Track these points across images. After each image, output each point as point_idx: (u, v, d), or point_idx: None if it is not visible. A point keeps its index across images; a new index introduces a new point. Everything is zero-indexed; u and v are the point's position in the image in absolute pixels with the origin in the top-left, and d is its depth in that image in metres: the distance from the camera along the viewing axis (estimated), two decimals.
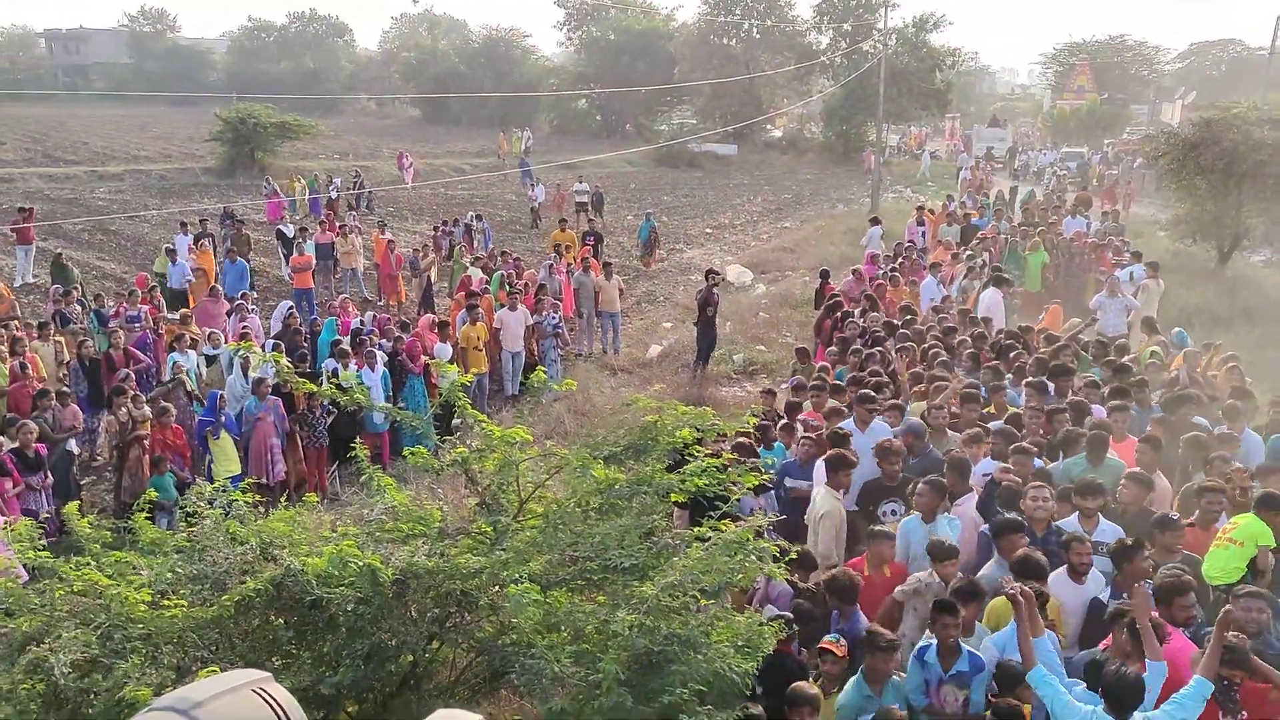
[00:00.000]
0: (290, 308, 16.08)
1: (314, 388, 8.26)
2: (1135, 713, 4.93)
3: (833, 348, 13.59)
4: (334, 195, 30.39)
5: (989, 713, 5.58)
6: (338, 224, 23.16)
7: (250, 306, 16.06)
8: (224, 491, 6.18)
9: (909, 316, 14.07)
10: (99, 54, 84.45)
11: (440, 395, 7.99)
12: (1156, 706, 5.02)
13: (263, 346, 13.69)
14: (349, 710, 5.29)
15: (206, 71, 79.22)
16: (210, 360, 13.72)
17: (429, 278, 20.25)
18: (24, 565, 5.97)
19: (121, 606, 5.01)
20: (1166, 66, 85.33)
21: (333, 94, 72.25)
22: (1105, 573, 6.75)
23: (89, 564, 5.32)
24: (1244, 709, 5.45)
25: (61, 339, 14.13)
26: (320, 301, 19.90)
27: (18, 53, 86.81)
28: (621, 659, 4.85)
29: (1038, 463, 8.26)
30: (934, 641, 5.94)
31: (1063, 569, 6.65)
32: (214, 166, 38.99)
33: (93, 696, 4.68)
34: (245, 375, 12.45)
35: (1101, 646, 5.85)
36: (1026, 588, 5.63)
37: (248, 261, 21.97)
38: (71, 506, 6.21)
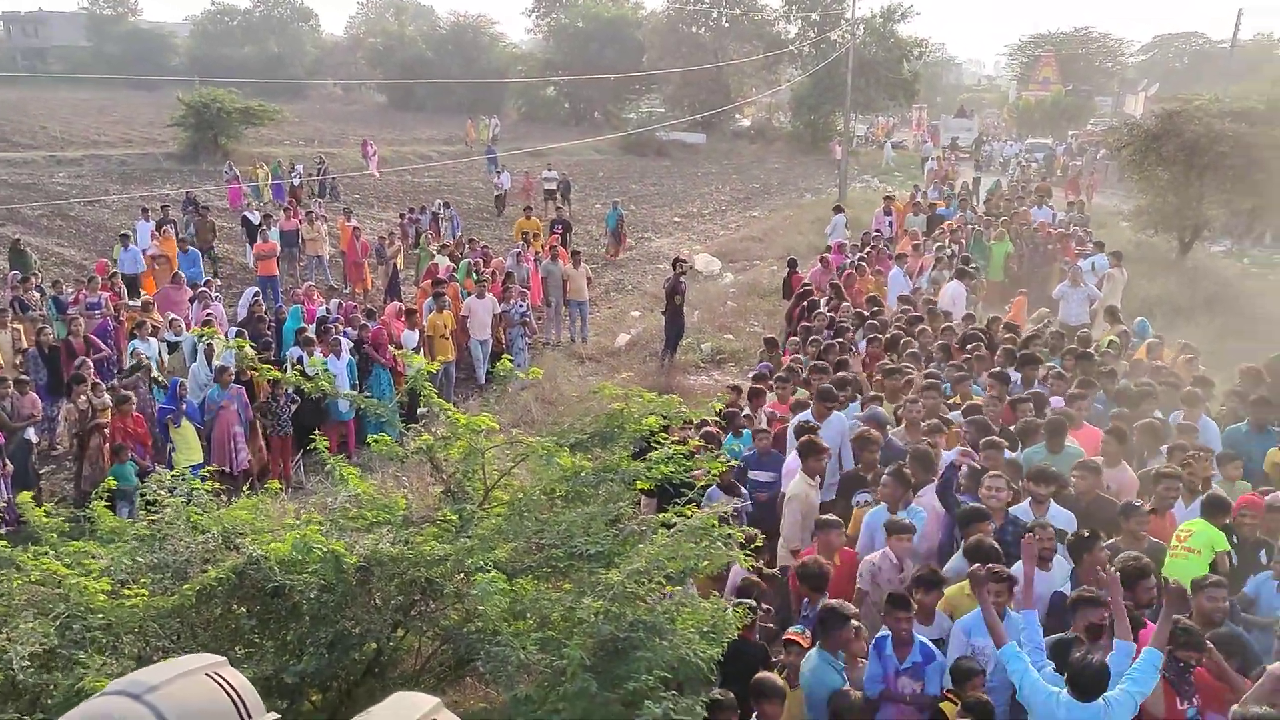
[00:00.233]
0: (256, 294, 15.94)
1: (278, 374, 8.20)
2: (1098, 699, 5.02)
3: (795, 337, 13.66)
4: (296, 182, 30.07)
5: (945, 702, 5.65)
6: (302, 211, 22.94)
7: (213, 294, 15.87)
8: (185, 479, 6.12)
9: (876, 308, 14.15)
10: (58, 37, 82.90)
11: (406, 383, 7.95)
12: None
13: (226, 334, 13.56)
14: (313, 699, 5.26)
15: (168, 55, 77.84)
16: (172, 348, 13.56)
17: (395, 265, 20.12)
18: None
19: (80, 596, 4.94)
20: (1130, 59, 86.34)
21: (298, 79, 71.38)
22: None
23: (47, 553, 5.25)
24: (1198, 693, 5.56)
25: (20, 326, 13.92)
26: (285, 289, 19.74)
27: None
28: (587, 645, 4.86)
29: (1007, 454, 8.34)
30: (890, 634, 6.00)
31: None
32: (176, 152, 38.44)
33: (52, 687, 4.63)
34: (208, 363, 12.31)
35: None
36: (984, 571, 5.72)
37: (211, 249, 21.81)
38: (25, 495, 6.13)
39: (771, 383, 11.03)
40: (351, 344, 13.40)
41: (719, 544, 5.67)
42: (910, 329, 12.58)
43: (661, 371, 16.34)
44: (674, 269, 17.10)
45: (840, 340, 12.31)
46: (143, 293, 17.08)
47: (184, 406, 11.29)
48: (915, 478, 7.76)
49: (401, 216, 24.78)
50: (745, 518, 8.09)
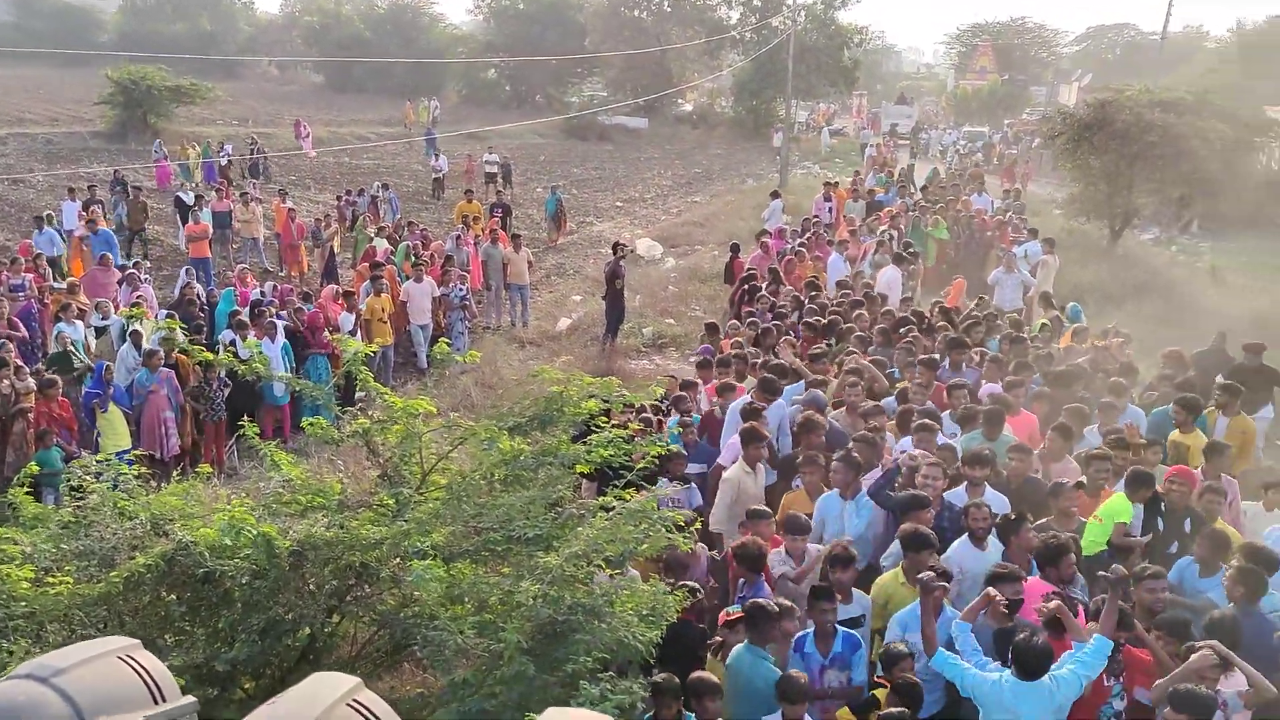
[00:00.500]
0: (189, 272, 15.61)
1: (210, 356, 8.03)
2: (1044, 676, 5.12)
3: (734, 321, 13.70)
4: (225, 161, 29.43)
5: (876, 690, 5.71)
6: (236, 192, 22.46)
7: (143, 276, 15.48)
8: (111, 465, 5.97)
9: (814, 292, 14.24)
10: None
11: (343, 366, 7.83)
12: None
13: (156, 317, 13.25)
14: (245, 686, 5.17)
15: (97, 32, 75.64)
16: (100, 332, 13.21)
17: (332, 248, 19.78)
18: None
19: (2, 584, 4.81)
20: (1064, 49, 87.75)
21: (231, 57, 69.77)
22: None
23: None
24: (1126, 671, 5.71)
25: None
26: (217, 272, 19.34)
27: None
28: (525, 629, 4.83)
29: (942, 439, 8.44)
30: (810, 630, 6.01)
31: (965, 537, 6.81)
32: (104, 130, 37.34)
33: None
34: (137, 346, 12.01)
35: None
36: (936, 579, 5.77)
37: (143, 230, 21.27)
38: None
39: (714, 369, 10.96)
40: (286, 328, 13.16)
41: (658, 527, 5.68)
42: (849, 314, 12.67)
43: (602, 356, 16.31)
44: (614, 253, 17.10)
45: (778, 324, 12.37)
46: (69, 275, 16.61)
47: (111, 391, 11.00)
48: (866, 462, 7.77)
49: (339, 198, 24.39)
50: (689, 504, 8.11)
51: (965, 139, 50.87)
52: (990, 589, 5.77)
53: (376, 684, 5.19)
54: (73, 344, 12.17)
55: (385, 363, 14.69)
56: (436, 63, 61.30)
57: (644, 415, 9.00)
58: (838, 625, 6.02)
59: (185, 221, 20.64)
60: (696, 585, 6.49)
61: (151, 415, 11.37)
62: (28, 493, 5.79)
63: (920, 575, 5.86)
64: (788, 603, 6.12)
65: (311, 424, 6.50)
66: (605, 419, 7.10)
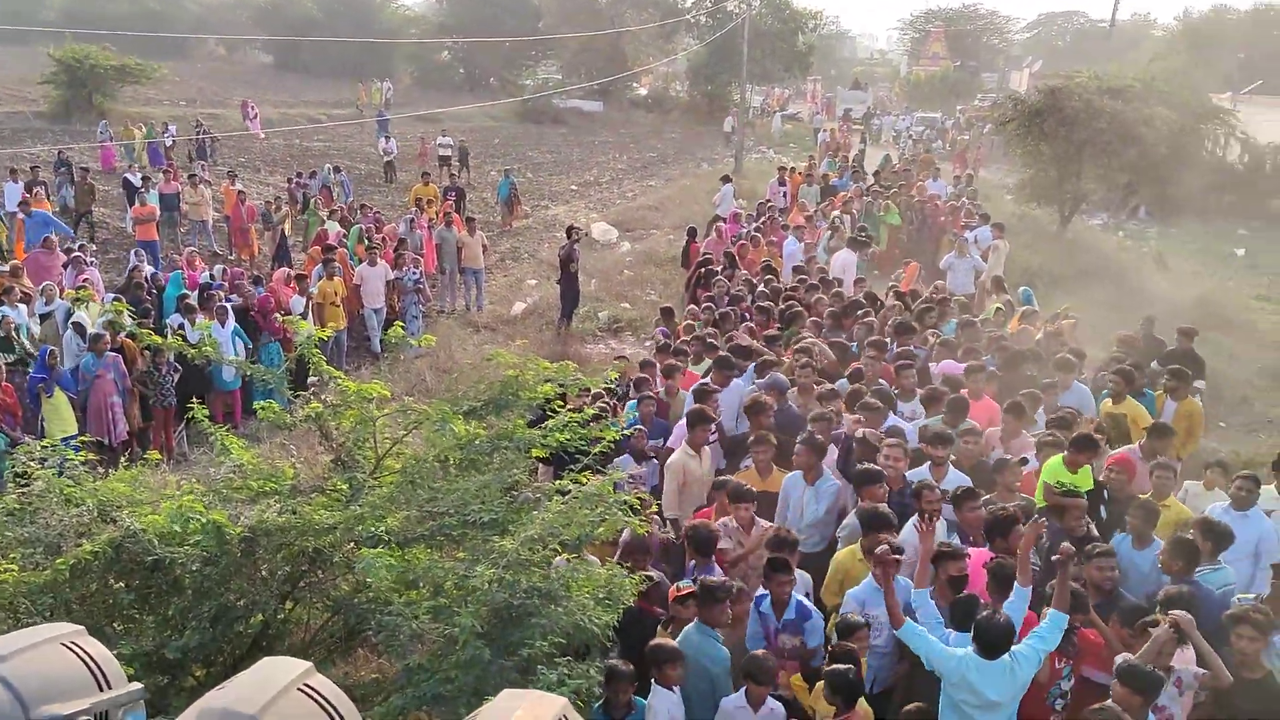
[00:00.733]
0: (137, 254, 15.32)
1: (159, 340, 7.89)
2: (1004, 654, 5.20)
3: (692, 305, 13.73)
4: (169, 143, 28.88)
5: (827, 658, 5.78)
6: (184, 174, 22.07)
7: (89, 259, 15.17)
8: (57, 450, 5.85)
9: (769, 276, 14.29)
10: None
11: (295, 349, 7.74)
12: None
13: (103, 300, 13.00)
14: (196, 674, 5.11)
15: (39, 9, 73.79)
16: (45, 316, 12.93)
17: (283, 231, 19.50)
18: None
19: None
20: (1016, 36, 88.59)
21: (178, 34, 68.35)
22: (949, 520, 7.05)
23: None
24: (1078, 651, 5.83)
25: None
26: (165, 255, 19.00)
27: None
28: (480, 613, 4.82)
29: (898, 420, 8.52)
30: (769, 593, 6.10)
31: (914, 518, 6.89)
32: (46, 111, 36.46)
33: None
34: (81, 335, 11.77)
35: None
36: (890, 553, 5.84)
37: (89, 213, 20.85)
38: None
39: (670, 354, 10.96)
40: (237, 309, 12.97)
41: (614, 510, 5.68)
42: (806, 298, 12.73)
43: (558, 340, 16.28)
44: (568, 237, 17.04)
45: (733, 309, 12.40)
46: (12, 257, 16.22)
47: (57, 375, 10.78)
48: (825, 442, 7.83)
49: (289, 181, 24.05)
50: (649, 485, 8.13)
51: (918, 124, 51.23)
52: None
53: (331, 670, 5.15)
54: (16, 328, 11.89)
55: (338, 347, 14.54)
56: (389, 43, 60.46)
57: (600, 400, 8.99)
58: (795, 595, 6.10)
59: (133, 204, 20.25)
60: (659, 575, 6.52)
61: (98, 400, 11.16)
62: None
63: (876, 550, 5.93)
64: (740, 584, 6.18)
65: (263, 408, 6.41)
66: (561, 403, 7.09)
